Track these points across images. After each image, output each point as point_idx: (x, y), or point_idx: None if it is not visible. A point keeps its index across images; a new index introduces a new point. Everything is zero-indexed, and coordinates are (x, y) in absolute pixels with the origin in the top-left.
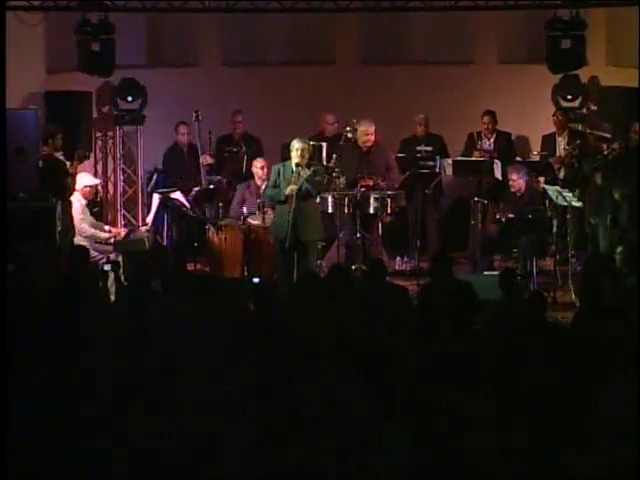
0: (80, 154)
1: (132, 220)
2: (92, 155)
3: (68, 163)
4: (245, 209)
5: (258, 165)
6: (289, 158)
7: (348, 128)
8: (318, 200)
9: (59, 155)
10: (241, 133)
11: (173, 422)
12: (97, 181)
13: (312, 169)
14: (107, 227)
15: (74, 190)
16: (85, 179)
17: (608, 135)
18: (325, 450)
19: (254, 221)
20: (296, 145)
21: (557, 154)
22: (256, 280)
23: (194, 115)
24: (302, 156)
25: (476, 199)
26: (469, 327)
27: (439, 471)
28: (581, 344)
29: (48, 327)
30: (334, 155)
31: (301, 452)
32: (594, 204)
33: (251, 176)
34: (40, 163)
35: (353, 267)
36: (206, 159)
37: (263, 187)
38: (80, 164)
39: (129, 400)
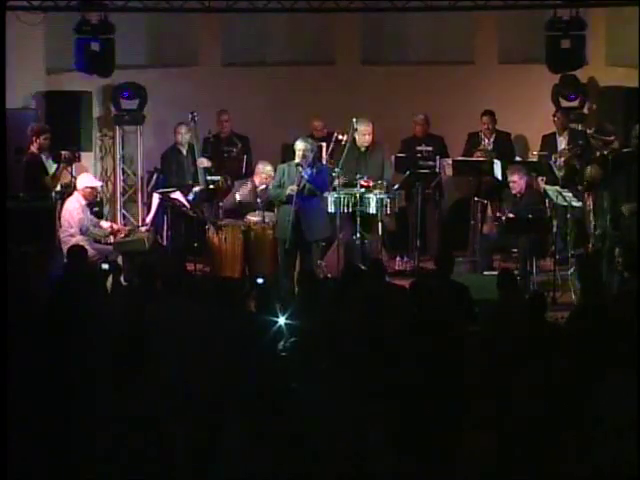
0: (67, 156)
1: (132, 220)
2: (92, 155)
3: (55, 165)
4: (238, 196)
5: (263, 175)
6: (294, 158)
7: (336, 134)
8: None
9: (43, 155)
10: (228, 132)
11: (173, 422)
12: (99, 183)
13: (315, 169)
14: (107, 223)
15: (55, 189)
16: (87, 180)
17: (612, 138)
18: (324, 450)
19: (254, 218)
20: (298, 145)
21: (557, 153)
22: (260, 280)
23: (190, 116)
24: (304, 156)
25: (476, 199)
26: (465, 328)
27: (438, 470)
28: (574, 342)
29: (47, 327)
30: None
31: (301, 452)
32: (598, 207)
33: (250, 174)
34: (24, 160)
35: None
36: (203, 162)
37: (261, 188)
38: (68, 166)
39: (129, 400)
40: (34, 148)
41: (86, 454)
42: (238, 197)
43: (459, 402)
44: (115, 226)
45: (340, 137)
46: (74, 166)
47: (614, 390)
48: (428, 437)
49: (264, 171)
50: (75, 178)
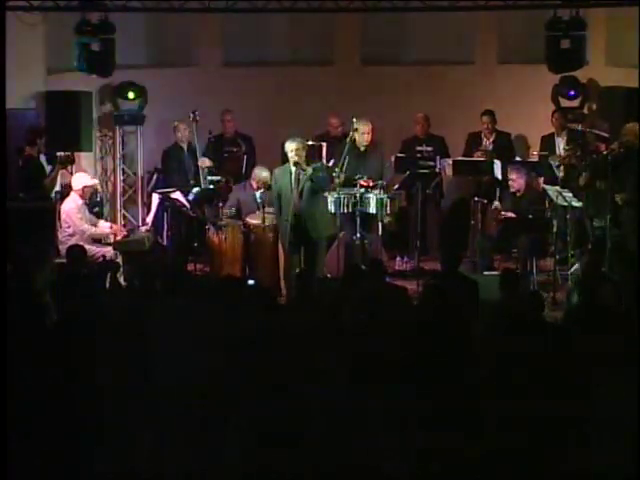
0: (63, 158)
1: (132, 220)
2: (92, 155)
3: (50, 167)
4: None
5: (260, 182)
6: (287, 161)
7: (352, 133)
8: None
9: (41, 156)
10: (232, 132)
11: (173, 423)
12: (95, 181)
13: (312, 166)
14: (107, 223)
15: (52, 190)
16: (83, 179)
17: (606, 135)
18: (325, 450)
19: (253, 220)
20: (290, 146)
21: (557, 154)
22: (251, 282)
23: (191, 115)
24: (299, 155)
25: (476, 199)
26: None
27: (440, 470)
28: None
29: (47, 327)
30: (332, 160)
31: (300, 453)
32: (596, 205)
33: (249, 176)
34: (20, 162)
35: None
36: (204, 162)
37: (259, 193)
38: (63, 168)
39: (128, 401)
40: (33, 150)
41: (85, 454)
42: (230, 209)
43: (459, 401)
44: (115, 226)
45: (352, 137)
46: (74, 166)
47: (613, 390)
48: (428, 436)
49: (260, 177)
50: None
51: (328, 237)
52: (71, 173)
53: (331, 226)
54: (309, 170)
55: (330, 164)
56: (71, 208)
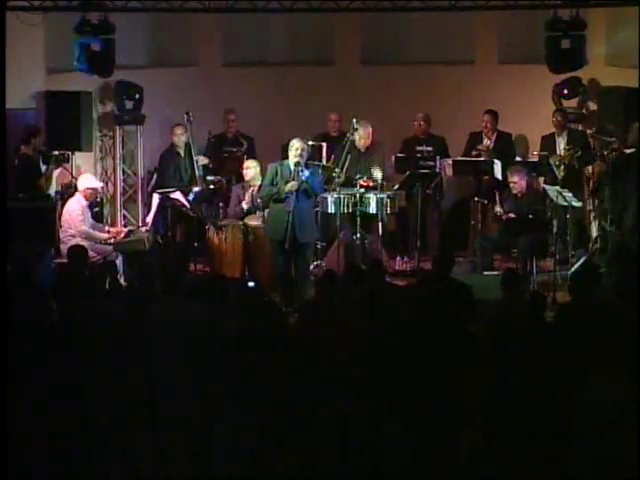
0: (58, 157)
1: (132, 220)
2: (92, 155)
3: (44, 166)
4: (244, 205)
5: (244, 166)
6: (287, 157)
7: (349, 133)
8: (317, 200)
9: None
10: (234, 132)
11: (174, 423)
12: (100, 184)
13: (310, 169)
14: (107, 227)
15: (48, 189)
16: (88, 181)
17: (613, 139)
18: (326, 450)
19: (252, 222)
20: (296, 145)
21: (557, 154)
22: (251, 284)
23: (185, 117)
24: (301, 156)
25: (476, 199)
26: (466, 327)
27: (437, 470)
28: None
29: (46, 327)
30: (332, 156)
31: (300, 452)
32: (600, 206)
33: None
34: (16, 161)
35: None
36: (200, 159)
37: (256, 189)
38: (57, 167)
39: (129, 402)
40: (28, 149)
41: (84, 454)
42: (245, 206)
43: (458, 400)
44: (113, 230)
45: (352, 138)
46: (74, 167)
47: (610, 389)
48: (427, 435)
49: (250, 167)
50: (75, 179)
51: (310, 242)
52: (71, 173)
53: (314, 232)
54: (306, 172)
55: (330, 163)
56: (74, 209)
